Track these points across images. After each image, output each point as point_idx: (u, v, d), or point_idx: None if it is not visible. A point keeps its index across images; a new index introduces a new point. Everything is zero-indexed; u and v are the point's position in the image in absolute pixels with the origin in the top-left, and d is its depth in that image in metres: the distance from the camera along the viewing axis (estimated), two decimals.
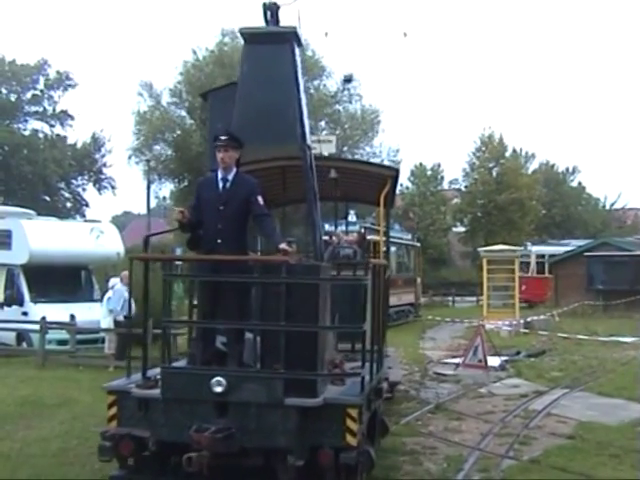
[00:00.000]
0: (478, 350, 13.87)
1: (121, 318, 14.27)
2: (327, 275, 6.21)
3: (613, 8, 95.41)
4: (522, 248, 31.04)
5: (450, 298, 38.62)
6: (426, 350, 17.37)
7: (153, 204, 43.12)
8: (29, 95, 47.28)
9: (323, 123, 34.68)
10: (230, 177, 6.01)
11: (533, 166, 52.24)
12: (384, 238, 10.97)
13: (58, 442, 8.27)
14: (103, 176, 48.17)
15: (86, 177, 48.19)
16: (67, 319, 15.28)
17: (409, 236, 32.96)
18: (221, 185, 6.01)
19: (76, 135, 67.20)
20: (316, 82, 37.45)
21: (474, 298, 35.60)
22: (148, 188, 37.24)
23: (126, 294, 12.93)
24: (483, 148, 45.69)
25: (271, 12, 6.97)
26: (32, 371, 13.68)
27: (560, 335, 20.16)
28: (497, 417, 10.20)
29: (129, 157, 36.78)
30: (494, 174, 44.96)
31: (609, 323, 23.80)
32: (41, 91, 47.52)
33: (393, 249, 24.32)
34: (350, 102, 38.94)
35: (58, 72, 47.29)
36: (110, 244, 18.14)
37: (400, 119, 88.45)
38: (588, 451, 8.29)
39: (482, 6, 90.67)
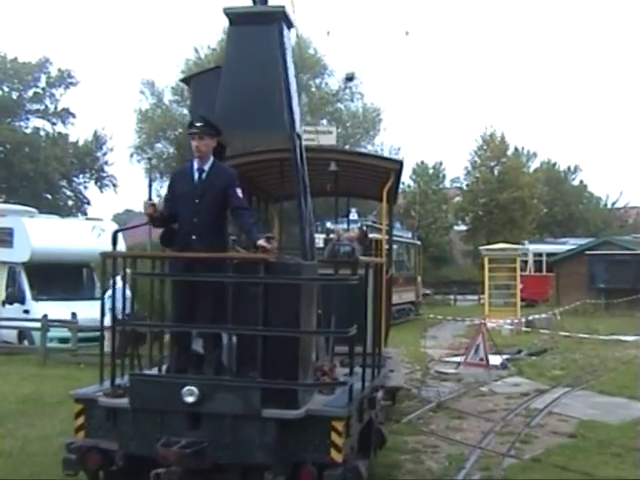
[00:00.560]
0: (479, 349, 13.86)
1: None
2: (313, 274, 5.74)
3: (615, 7, 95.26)
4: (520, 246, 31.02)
5: (452, 297, 38.61)
6: (427, 349, 17.34)
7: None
8: (31, 93, 47.15)
9: (325, 121, 34.70)
10: (206, 167, 5.55)
11: (535, 165, 52.19)
12: (387, 236, 10.49)
13: (59, 440, 8.19)
14: (105, 174, 48.03)
15: (88, 175, 48.05)
16: (68, 317, 15.29)
17: (409, 234, 32.93)
18: (196, 176, 5.55)
19: (78, 133, 66.95)
20: (318, 80, 37.53)
21: (475, 297, 35.58)
22: (150, 186, 37.12)
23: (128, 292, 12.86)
24: (485, 147, 45.57)
25: None
26: (33, 369, 13.70)
27: (561, 334, 20.17)
28: (498, 416, 10.20)
29: (131, 155, 37.02)
30: (496, 173, 44.86)
31: (610, 322, 23.80)
32: (43, 89, 47.39)
33: (394, 247, 24.22)
34: (352, 100, 39.06)
35: (60, 70, 47.17)
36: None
37: (402, 117, 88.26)
38: (589, 450, 8.29)
39: (484, 5, 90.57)
